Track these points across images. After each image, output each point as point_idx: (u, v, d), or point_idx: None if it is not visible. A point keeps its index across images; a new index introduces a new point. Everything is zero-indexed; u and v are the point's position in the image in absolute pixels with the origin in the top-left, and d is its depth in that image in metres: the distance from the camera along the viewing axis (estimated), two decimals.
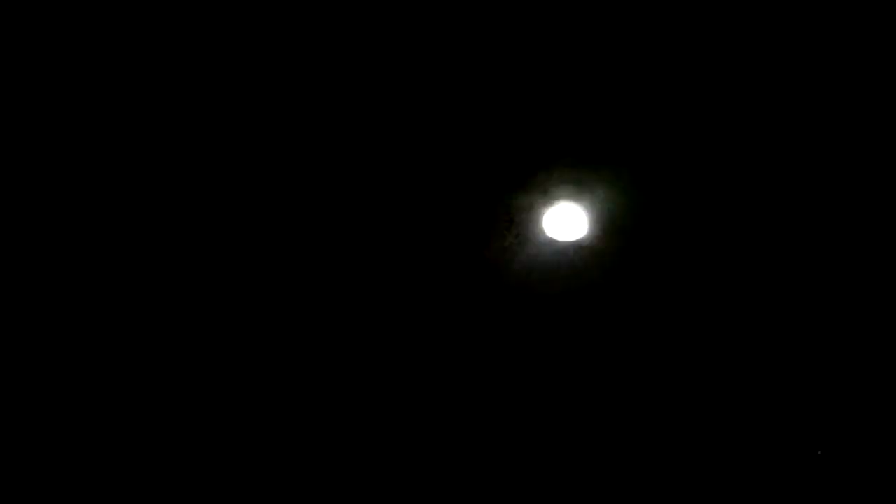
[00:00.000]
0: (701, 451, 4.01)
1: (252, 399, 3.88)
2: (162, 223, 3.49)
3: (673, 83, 3.43)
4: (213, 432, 3.81)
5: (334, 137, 3.44)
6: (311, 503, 4.00)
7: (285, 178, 3.51)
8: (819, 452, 3.88)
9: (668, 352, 3.95)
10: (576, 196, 3.65)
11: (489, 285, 3.80)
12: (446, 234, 3.70)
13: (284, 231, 3.63)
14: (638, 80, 3.42)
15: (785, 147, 3.52)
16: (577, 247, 3.73)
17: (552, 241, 3.72)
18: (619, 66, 3.38)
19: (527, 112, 3.48)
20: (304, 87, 3.28)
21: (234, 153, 3.43)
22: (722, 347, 3.92)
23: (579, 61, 3.37)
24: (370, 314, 3.82)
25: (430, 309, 3.84)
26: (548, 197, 3.64)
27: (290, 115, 3.36)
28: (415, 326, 3.86)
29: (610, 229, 3.71)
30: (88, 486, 3.63)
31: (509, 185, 3.61)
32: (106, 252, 3.47)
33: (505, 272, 3.78)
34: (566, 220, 3.69)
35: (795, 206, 3.64)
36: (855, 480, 3.88)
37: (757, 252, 3.74)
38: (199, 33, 3.06)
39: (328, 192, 3.57)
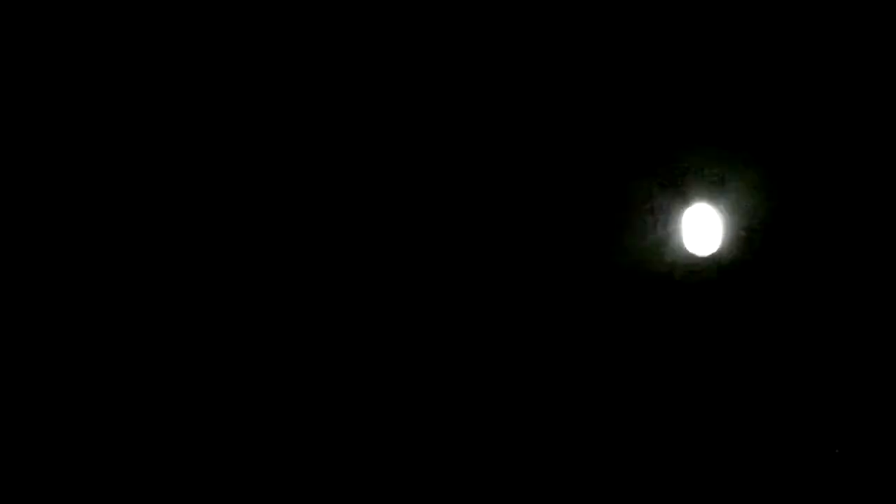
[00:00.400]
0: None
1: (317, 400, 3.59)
2: (182, 224, 3.40)
3: (814, 78, 3.22)
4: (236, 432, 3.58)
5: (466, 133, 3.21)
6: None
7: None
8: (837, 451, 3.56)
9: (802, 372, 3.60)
10: (713, 200, 3.34)
11: (619, 291, 3.45)
12: (570, 240, 3.38)
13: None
14: (780, 75, 3.21)
15: None
16: (713, 257, 3.39)
17: (686, 250, 3.37)
18: (759, 60, 3.18)
19: (664, 109, 3.23)
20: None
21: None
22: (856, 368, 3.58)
23: (718, 54, 3.16)
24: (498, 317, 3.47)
25: (548, 318, 3.47)
26: (684, 200, 3.32)
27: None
28: (532, 337, 3.48)
29: (749, 238, 3.38)
30: (88, 487, 3.47)
31: (642, 186, 3.31)
32: (106, 252, 3.39)
33: (635, 279, 3.42)
34: (702, 227, 3.35)
35: None
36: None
37: None
38: (200, 33, 3.05)
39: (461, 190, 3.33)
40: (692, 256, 3.37)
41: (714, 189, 3.31)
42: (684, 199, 3.32)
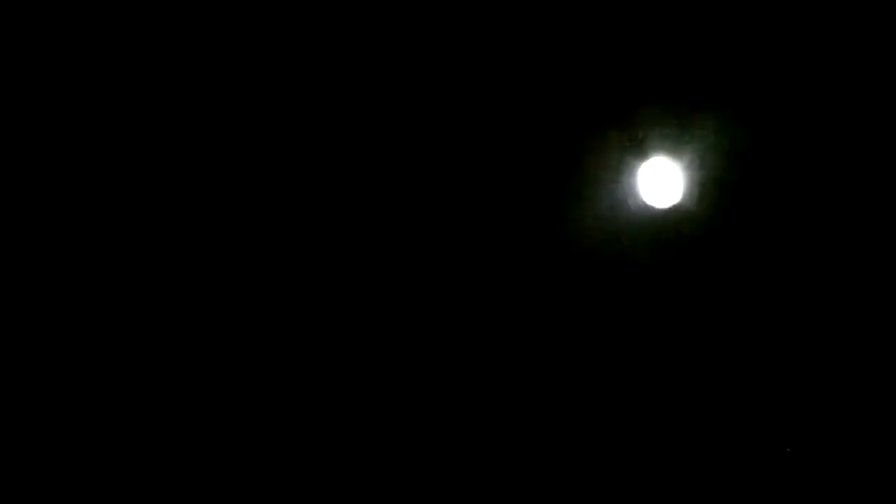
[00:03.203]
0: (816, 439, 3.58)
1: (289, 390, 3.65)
2: (174, 224, 3.38)
3: (773, 35, 3.11)
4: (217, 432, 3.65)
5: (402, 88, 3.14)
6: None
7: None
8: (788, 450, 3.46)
9: (762, 334, 3.55)
10: (672, 153, 3.29)
11: (573, 253, 3.43)
12: (520, 197, 3.35)
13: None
14: (743, 24, 3.10)
15: None
16: (672, 211, 3.35)
17: (645, 205, 3.35)
18: (716, 14, 3.08)
19: (617, 59, 3.16)
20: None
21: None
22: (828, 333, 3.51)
23: (674, 8, 3.06)
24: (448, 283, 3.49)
25: (506, 277, 3.48)
26: (641, 154, 3.29)
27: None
28: (490, 294, 3.50)
29: (709, 192, 3.33)
30: (88, 487, 3.54)
31: (596, 139, 3.27)
32: (106, 252, 3.39)
33: (591, 237, 3.41)
34: (661, 181, 3.32)
35: None
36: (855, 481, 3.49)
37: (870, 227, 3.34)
38: (199, 33, 2.98)
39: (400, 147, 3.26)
40: (651, 209, 3.35)
41: (673, 143, 3.26)
42: (642, 153, 3.28)
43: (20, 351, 3.44)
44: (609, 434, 3.63)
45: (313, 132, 3.27)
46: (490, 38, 3.12)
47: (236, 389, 3.58)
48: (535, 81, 3.19)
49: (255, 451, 3.61)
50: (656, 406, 3.60)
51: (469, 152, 3.30)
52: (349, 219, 3.41)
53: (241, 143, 3.25)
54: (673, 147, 3.27)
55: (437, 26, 3.11)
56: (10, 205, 3.25)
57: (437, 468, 3.62)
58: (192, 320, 3.50)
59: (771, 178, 3.34)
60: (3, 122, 3.09)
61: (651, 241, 3.40)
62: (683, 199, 3.33)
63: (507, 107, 3.23)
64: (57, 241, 3.33)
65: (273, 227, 3.41)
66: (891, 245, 3.38)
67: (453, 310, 3.51)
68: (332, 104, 3.23)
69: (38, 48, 2.93)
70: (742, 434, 3.60)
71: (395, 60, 3.18)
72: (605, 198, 3.35)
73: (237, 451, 3.61)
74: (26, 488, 3.46)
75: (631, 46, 3.15)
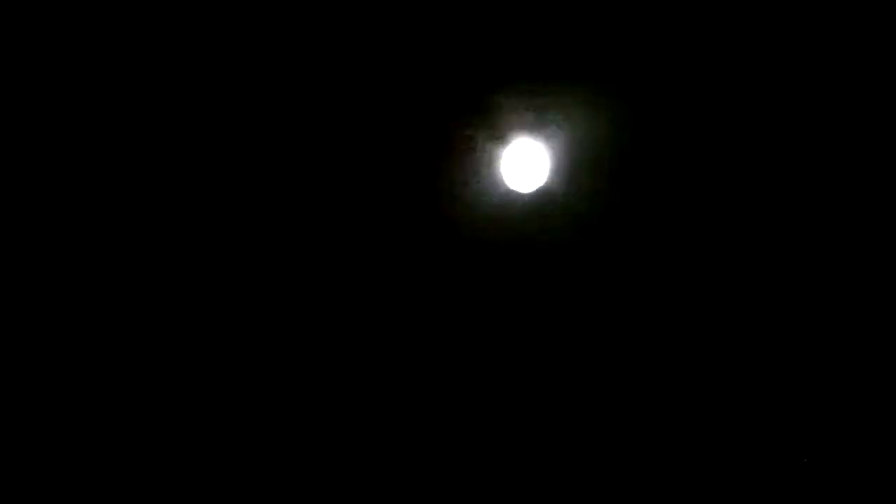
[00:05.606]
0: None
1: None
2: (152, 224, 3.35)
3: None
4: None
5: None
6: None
7: None
8: (805, 460, 3.48)
9: (641, 318, 3.51)
10: (535, 133, 3.20)
11: (439, 236, 3.36)
12: (385, 179, 3.26)
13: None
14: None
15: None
16: (537, 193, 3.27)
17: (508, 187, 3.26)
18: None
19: (479, 34, 3.06)
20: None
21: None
22: (697, 314, 3.49)
23: None
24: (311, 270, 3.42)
25: (371, 260, 3.41)
26: (503, 134, 3.19)
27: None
28: (353, 279, 3.43)
29: (576, 172, 3.23)
30: (88, 487, 3.54)
31: (460, 120, 3.17)
32: (106, 252, 3.36)
33: (457, 220, 3.33)
34: (525, 162, 3.23)
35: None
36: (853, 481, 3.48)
37: (740, 210, 3.30)
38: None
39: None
40: (516, 193, 3.27)
41: (534, 124, 3.17)
42: (503, 137, 3.19)
43: (20, 351, 3.41)
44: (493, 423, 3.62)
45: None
46: (346, 32, 3.05)
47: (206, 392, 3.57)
48: (385, 74, 3.10)
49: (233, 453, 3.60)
50: (522, 396, 3.58)
51: (320, 148, 3.21)
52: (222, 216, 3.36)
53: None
54: (534, 130, 3.19)
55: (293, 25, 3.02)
56: (10, 205, 3.23)
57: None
58: (180, 320, 3.48)
59: (637, 158, 3.28)
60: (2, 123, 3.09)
61: (518, 226, 3.34)
62: (548, 182, 3.25)
63: (360, 100, 3.14)
64: (56, 241, 3.30)
65: None
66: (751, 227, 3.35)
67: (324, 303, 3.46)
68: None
69: (38, 48, 2.94)
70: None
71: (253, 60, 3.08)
72: (470, 185, 3.27)
73: (228, 450, 3.59)
74: (26, 488, 3.45)
75: (486, 31, 3.06)
